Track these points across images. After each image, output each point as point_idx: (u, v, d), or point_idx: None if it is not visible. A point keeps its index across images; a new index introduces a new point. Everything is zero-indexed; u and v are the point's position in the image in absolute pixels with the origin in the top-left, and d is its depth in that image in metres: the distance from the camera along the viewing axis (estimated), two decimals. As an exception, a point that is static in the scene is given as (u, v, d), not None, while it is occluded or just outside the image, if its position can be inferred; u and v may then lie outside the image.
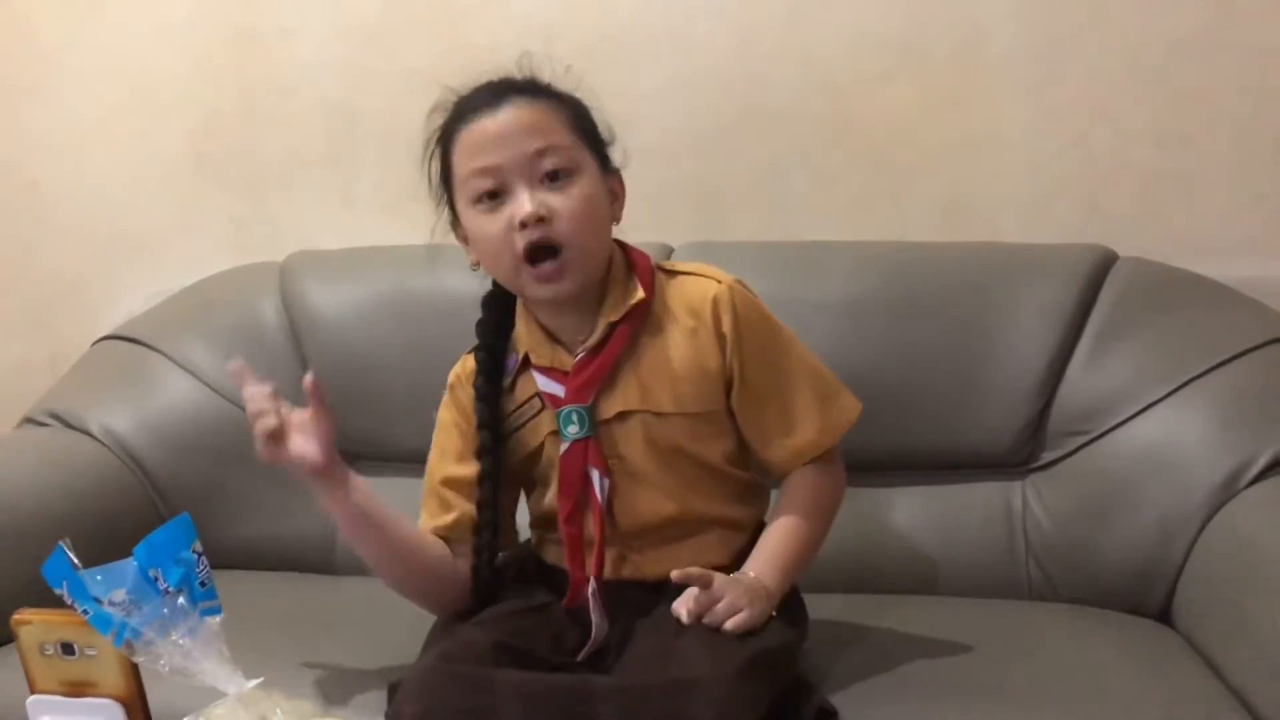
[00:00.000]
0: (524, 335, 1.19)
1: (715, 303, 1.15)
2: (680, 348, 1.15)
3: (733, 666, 0.97)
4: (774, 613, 1.08)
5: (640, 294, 1.15)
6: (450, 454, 1.21)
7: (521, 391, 1.18)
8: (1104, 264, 1.44)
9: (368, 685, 1.11)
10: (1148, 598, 1.30)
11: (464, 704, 0.96)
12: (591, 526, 1.14)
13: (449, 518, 1.19)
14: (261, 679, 0.67)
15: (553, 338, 1.17)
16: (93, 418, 1.55)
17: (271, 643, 1.23)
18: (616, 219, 1.18)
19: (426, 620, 1.18)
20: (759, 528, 1.19)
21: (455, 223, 1.19)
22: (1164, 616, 1.29)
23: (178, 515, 0.67)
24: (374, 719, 1.01)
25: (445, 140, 1.17)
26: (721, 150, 1.68)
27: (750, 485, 1.21)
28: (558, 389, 1.15)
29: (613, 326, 1.15)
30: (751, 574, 1.10)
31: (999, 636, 1.22)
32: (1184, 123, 1.57)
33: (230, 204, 1.84)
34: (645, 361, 1.15)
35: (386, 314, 1.55)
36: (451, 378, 1.23)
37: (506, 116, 1.11)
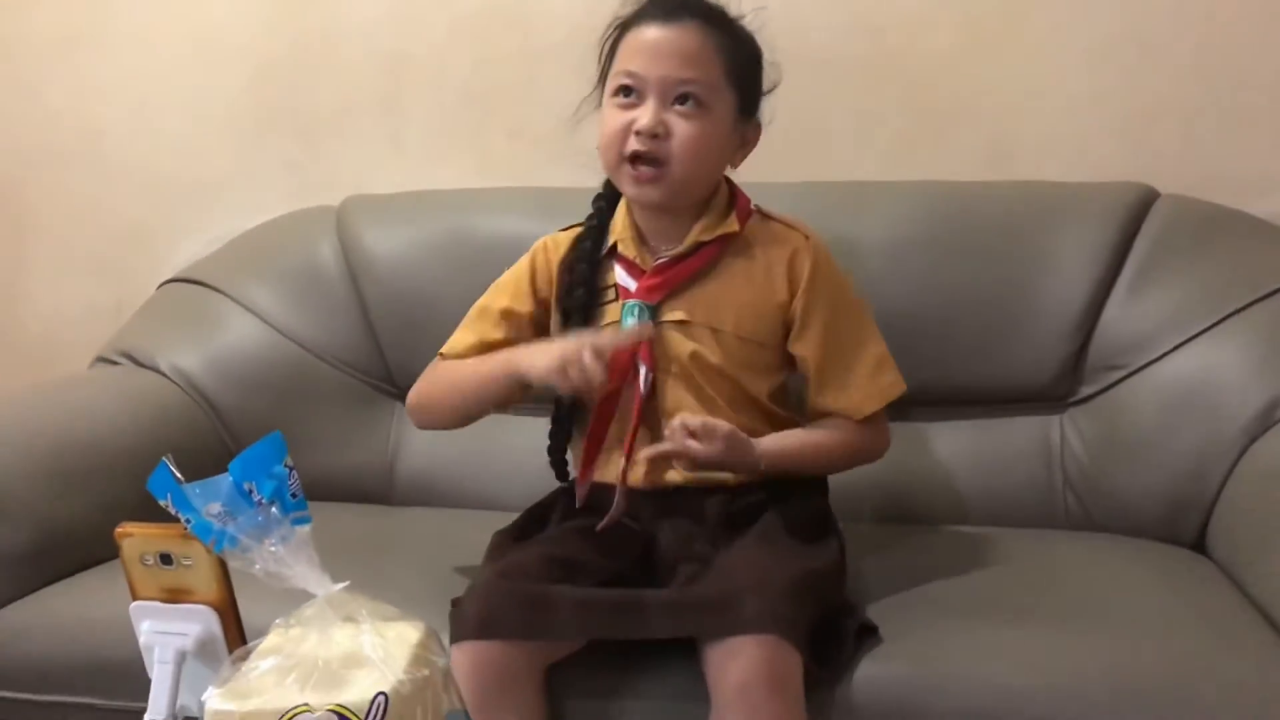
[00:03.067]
0: (619, 227, 1.26)
1: (797, 251, 1.23)
2: (754, 279, 1.23)
3: (781, 580, 1.03)
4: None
5: (735, 226, 1.23)
6: (506, 291, 1.29)
7: (601, 277, 1.25)
8: (1144, 202, 1.46)
9: (432, 598, 1.17)
10: (1182, 527, 1.34)
11: (522, 616, 1.02)
12: (629, 411, 1.20)
13: (499, 335, 1.26)
14: (348, 582, 0.72)
15: (643, 239, 1.25)
16: (162, 356, 1.62)
17: (337, 565, 1.30)
18: (734, 164, 1.26)
19: (483, 546, 1.24)
20: None
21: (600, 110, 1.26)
22: (1198, 546, 1.33)
23: (269, 434, 0.72)
24: (441, 616, 1.07)
25: (620, 30, 1.24)
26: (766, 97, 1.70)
27: (787, 423, 1.26)
28: (631, 283, 1.23)
29: (699, 246, 1.22)
30: (758, 454, 1.17)
31: (1035, 563, 1.27)
32: (1226, 58, 1.57)
33: (286, 150, 1.88)
34: (717, 284, 1.23)
35: (439, 254, 1.60)
36: (547, 239, 1.31)
37: (673, 33, 1.18)
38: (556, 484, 1.32)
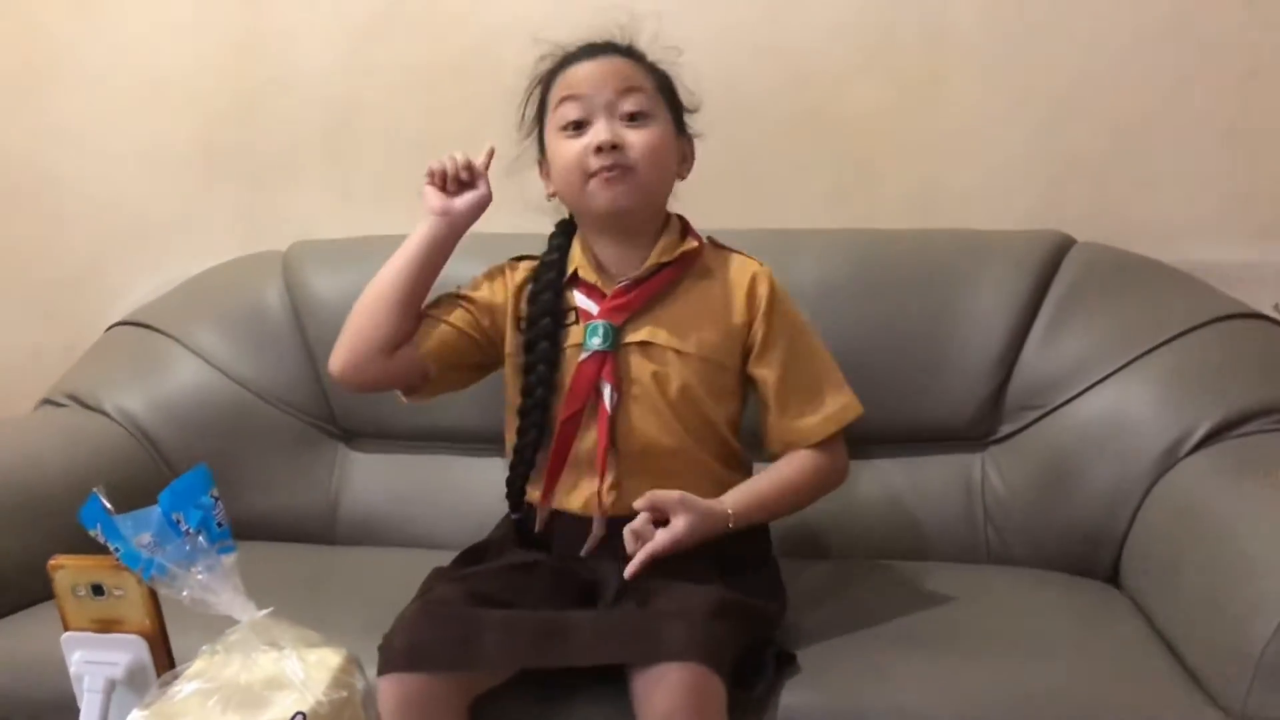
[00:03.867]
0: (577, 256, 1.30)
1: (755, 277, 1.29)
2: (713, 301, 1.28)
3: (706, 607, 1.06)
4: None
5: (694, 243, 1.29)
6: (469, 286, 1.33)
7: (561, 304, 1.29)
8: (1061, 249, 1.53)
9: (366, 632, 1.19)
10: (1096, 561, 1.39)
11: (448, 633, 1.04)
12: (594, 438, 1.22)
13: (452, 317, 1.29)
14: (271, 609, 0.75)
15: (602, 267, 1.29)
16: (108, 398, 1.64)
17: (274, 601, 1.32)
18: (681, 176, 1.32)
19: (418, 582, 1.25)
20: None
21: (541, 159, 1.32)
22: (1112, 579, 1.38)
23: (196, 466, 0.75)
24: (370, 650, 1.08)
25: (546, 82, 1.31)
26: (701, 139, 1.76)
27: (739, 456, 1.30)
28: (593, 306, 1.27)
29: (660, 267, 1.27)
30: (725, 506, 1.19)
31: (955, 596, 1.31)
32: (1139, 113, 1.66)
33: (235, 196, 1.92)
34: (679, 305, 1.27)
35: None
36: (513, 261, 1.35)
37: (601, 63, 1.27)
38: (492, 525, 1.34)
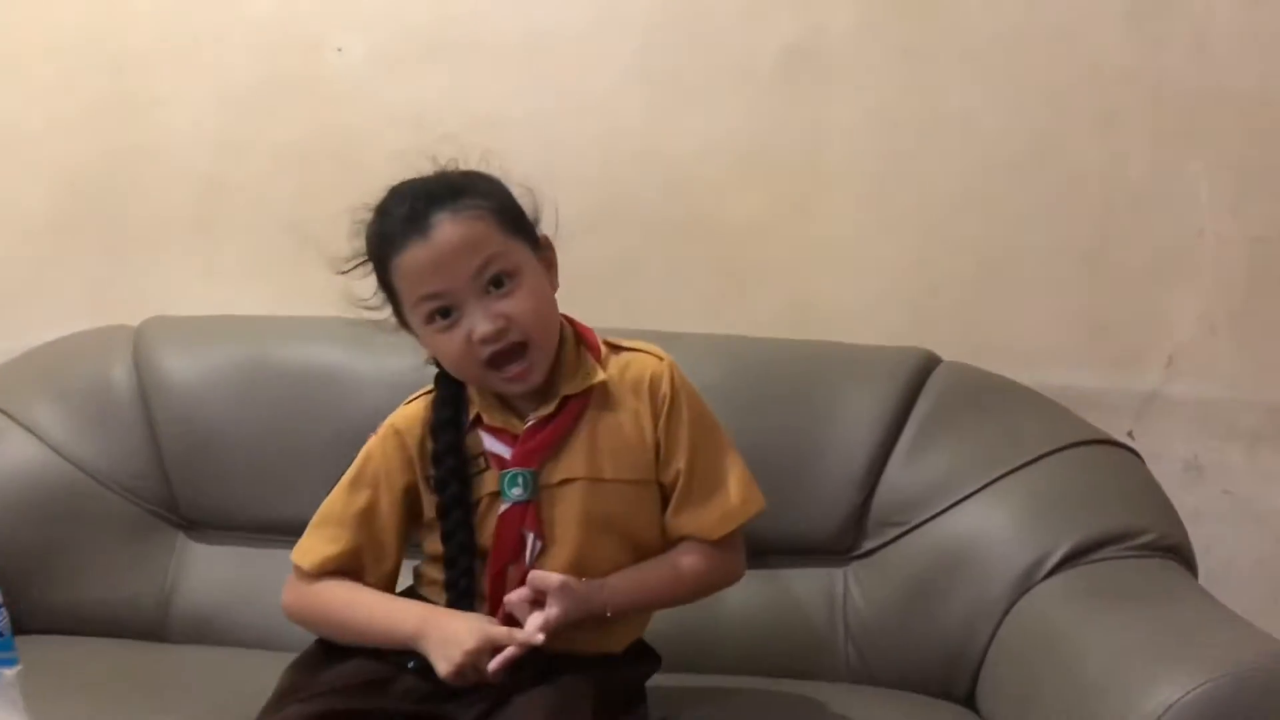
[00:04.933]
0: (476, 397, 1.22)
1: (655, 378, 1.22)
2: (625, 421, 1.21)
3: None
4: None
5: (601, 376, 1.21)
6: (364, 487, 1.23)
7: (468, 449, 1.21)
8: (926, 367, 1.55)
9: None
10: (955, 682, 1.38)
11: None
12: (512, 579, 1.17)
13: (361, 541, 1.21)
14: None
15: (505, 404, 1.21)
16: (-73, 472, 1.52)
17: (92, 709, 1.23)
18: (555, 286, 1.23)
19: (258, 688, 1.18)
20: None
21: (401, 323, 1.21)
22: (969, 700, 1.37)
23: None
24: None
25: (379, 262, 1.18)
26: (580, 242, 1.74)
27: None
28: (505, 451, 1.19)
29: (567, 399, 1.20)
30: (605, 595, 1.16)
31: (810, 717, 1.28)
32: (1003, 240, 1.71)
33: (90, 266, 1.83)
34: (591, 433, 1.20)
35: (240, 384, 1.56)
36: (396, 419, 1.24)
37: (438, 239, 1.13)
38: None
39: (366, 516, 1.22)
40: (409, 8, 1.76)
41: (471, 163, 1.22)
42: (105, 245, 1.82)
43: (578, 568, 1.17)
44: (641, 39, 1.74)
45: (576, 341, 1.24)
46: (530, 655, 1.12)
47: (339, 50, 1.77)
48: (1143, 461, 1.51)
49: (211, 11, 1.79)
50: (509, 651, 1.10)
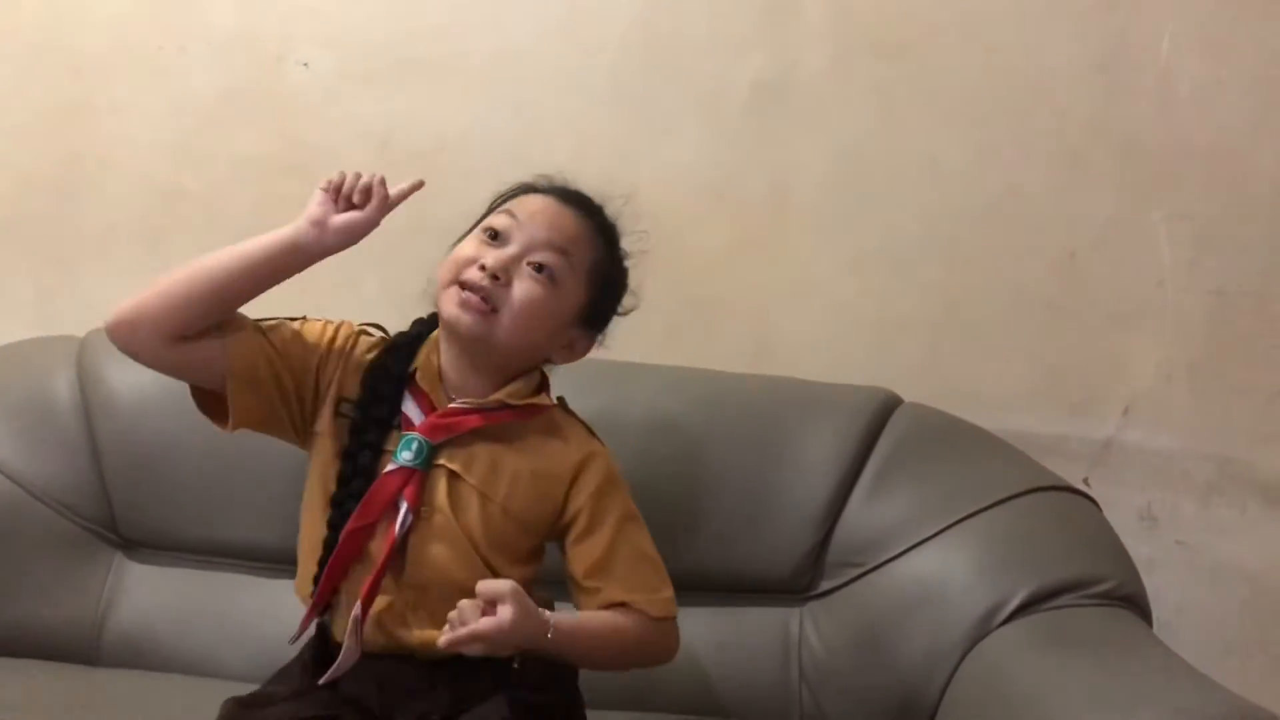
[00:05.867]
0: (423, 356, 1.22)
1: (589, 459, 1.22)
2: (540, 462, 1.20)
3: None
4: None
5: (549, 401, 1.23)
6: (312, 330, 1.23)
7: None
8: (887, 407, 1.54)
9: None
10: (909, 727, 1.36)
11: None
12: (377, 551, 1.14)
13: (272, 330, 1.19)
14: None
15: (442, 378, 1.20)
16: None
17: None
18: (554, 360, 1.25)
19: (191, 717, 1.13)
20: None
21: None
22: (923, 746, 1.36)
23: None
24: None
25: (518, 191, 1.25)
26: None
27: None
28: (417, 414, 1.18)
29: (502, 405, 1.19)
30: (548, 617, 1.12)
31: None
32: (967, 284, 1.72)
33: (36, 273, 1.78)
34: (503, 450, 1.19)
35: (187, 401, 1.50)
36: (348, 326, 1.25)
37: (563, 210, 1.22)
38: (279, 655, 1.23)
39: (279, 326, 1.21)
40: (377, 24, 1.74)
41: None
42: (54, 253, 1.77)
43: (435, 563, 1.15)
44: (612, 65, 1.73)
45: (539, 383, 1.25)
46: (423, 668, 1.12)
47: (305, 64, 1.75)
48: (1100, 510, 1.51)
49: (175, 19, 1.76)
50: (463, 632, 1.06)
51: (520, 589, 1.10)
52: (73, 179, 1.77)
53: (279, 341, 1.19)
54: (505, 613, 1.06)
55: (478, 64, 1.74)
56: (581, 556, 1.20)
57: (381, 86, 1.74)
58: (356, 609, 1.13)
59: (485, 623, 1.06)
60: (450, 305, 1.17)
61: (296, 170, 1.75)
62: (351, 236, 1.17)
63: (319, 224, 1.16)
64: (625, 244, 1.28)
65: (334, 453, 1.19)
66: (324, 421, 1.20)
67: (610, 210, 1.27)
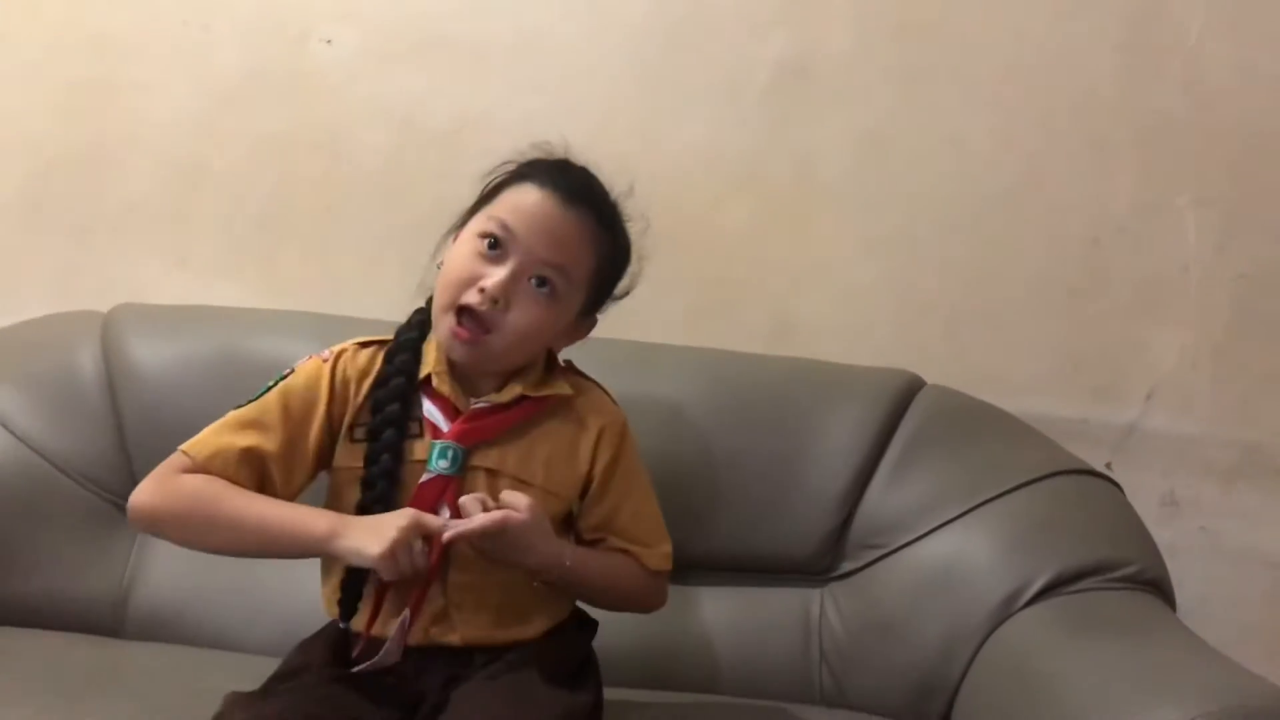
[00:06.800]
0: (431, 359, 1.20)
1: (604, 431, 1.23)
2: (563, 440, 1.22)
3: None
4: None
5: (568, 390, 1.23)
6: (295, 401, 1.17)
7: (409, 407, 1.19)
8: (910, 390, 1.54)
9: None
10: (929, 709, 1.36)
11: None
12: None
13: (271, 447, 1.15)
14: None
15: (458, 377, 1.20)
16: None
17: (38, 705, 1.18)
18: (556, 348, 1.25)
19: (210, 687, 1.13)
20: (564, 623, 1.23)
21: (454, 235, 1.22)
22: (943, 727, 1.36)
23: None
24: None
25: (514, 176, 1.20)
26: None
27: (563, 597, 1.24)
28: (443, 421, 1.17)
29: (523, 398, 1.19)
30: (565, 548, 1.16)
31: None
32: (989, 267, 1.71)
33: (63, 249, 1.78)
34: (531, 438, 1.20)
35: (209, 372, 1.52)
36: (341, 357, 1.21)
37: (563, 214, 1.16)
38: (301, 631, 1.23)
39: (297, 421, 1.16)
40: (400, 2, 1.74)
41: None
42: (78, 230, 1.78)
43: (478, 560, 1.14)
44: (634, 45, 1.73)
45: (547, 361, 1.25)
46: (444, 653, 1.13)
47: (328, 42, 1.74)
48: (1123, 493, 1.50)
49: (199, -4, 1.75)
50: (479, 523, 1.08)
51: (536, 505, 1.12)
52: (96, 156, 1.77)
53: (282, 452, 1.16)
54: (521, 506, 1.10)
55: (500, 43, 1.73)
56: (588, 513, 1.24)
57: (404, 65, 1.74)
58: (405, 614, 1.13)
59: (495, 513, 1.09)
60: (446, 334, 1.16)
61: (320, 148, 1.75)
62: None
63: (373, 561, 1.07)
64: (628, 216, 1.26)
65: (360, 477, 1.17)
66: (342, 455, 1.18)
67: (609, 186, 1.24)
